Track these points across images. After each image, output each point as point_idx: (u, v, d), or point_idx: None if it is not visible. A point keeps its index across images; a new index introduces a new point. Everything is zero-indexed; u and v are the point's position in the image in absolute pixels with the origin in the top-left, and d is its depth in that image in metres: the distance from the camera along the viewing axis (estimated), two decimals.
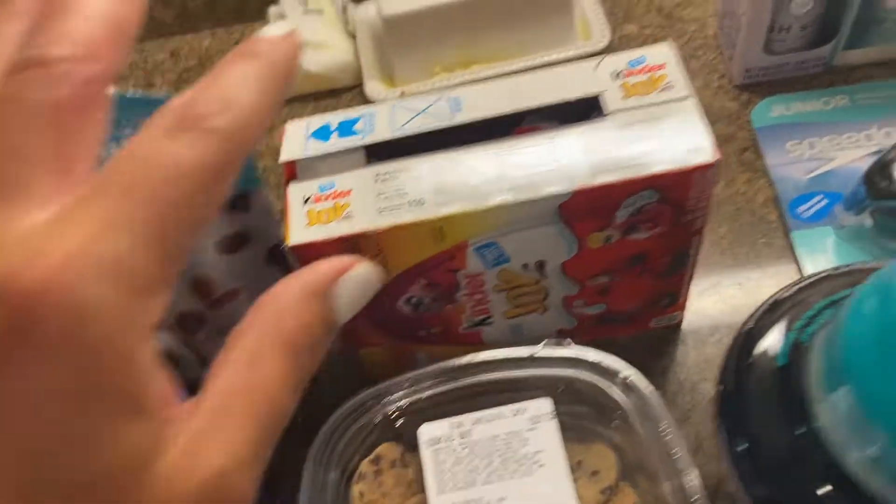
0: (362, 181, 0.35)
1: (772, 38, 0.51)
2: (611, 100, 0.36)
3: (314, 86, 0.61)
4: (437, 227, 0.34)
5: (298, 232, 0.34)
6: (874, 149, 0.49)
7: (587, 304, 0.42)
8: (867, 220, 0.45)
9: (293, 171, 0.36)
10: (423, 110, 0.36)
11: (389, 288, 0.38)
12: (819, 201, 0.48)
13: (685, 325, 0.46)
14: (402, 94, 0.58)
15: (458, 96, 0.37)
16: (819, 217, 0.48)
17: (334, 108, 0.61)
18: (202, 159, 0.17)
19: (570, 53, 0.57)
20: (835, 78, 0.54)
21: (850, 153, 0.49)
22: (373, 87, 0.59)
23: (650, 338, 0.46)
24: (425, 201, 0.34)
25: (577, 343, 0.45)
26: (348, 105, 0.61)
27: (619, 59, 0.37)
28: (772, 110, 0.53)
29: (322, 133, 0.37)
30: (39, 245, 0.15)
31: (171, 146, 0.17)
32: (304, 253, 0.35)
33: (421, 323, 0.41)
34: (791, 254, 0.47)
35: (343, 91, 0.62)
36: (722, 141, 0.53)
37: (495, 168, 0.35)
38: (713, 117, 0.54)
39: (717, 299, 0.47)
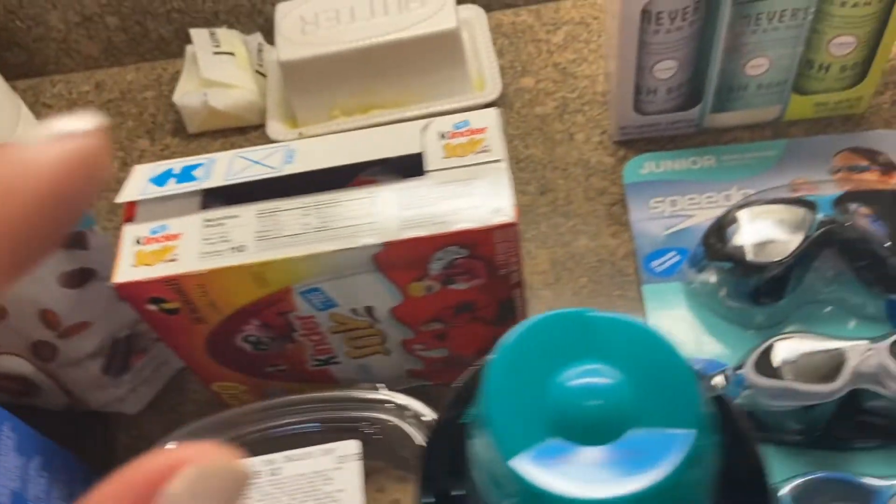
0: (192, 226, 0.37)
1: (641, 100, 0.54)
2: (432, 159, 0.38)
3: (221, 123, 0.63)
4: (257, 272, 0.37)
5: (124, 271, 0.36)
6: (748, 202, 0.51)
7: (428, 348, 0.44)
8: (712, 278, 0.47)
9: (132, 213, 0.38)
10: (259, 161, 0.39)
11: (225, 326, 0.40)
12: (672, 257, 0.50)
13: None
14: (300, 136, 0.60)
15: (294, 149, 0.39)
16: (670, 272, 0.50)
17: (241, 146, 0.64)
18: None
19: (463, 104, 0.60)
20: (706, 138, 0.56)
21: (708, 212, 0.51)
22: (274, 127, 0.61)
23: None
24: (247, 247, 0.36)
25: (428, 385, 0.47)
26: (254, 142, 0.63)
27: (447, 122, 0.39)
28: (643, 167, 0.55)
29: (162, 178, 0.39)
30: None
31: None
32: (129, 292, 0.37)
33: (265, 360, 0.43)
34: (642, 307, 0.49)
35: (250, 129, 0.64)
36: (595, 194, 0.55)
37: (316, 218, 0.37)
38: (590, 171, 0.56)
39: None
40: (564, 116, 0.60)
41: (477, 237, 0.36)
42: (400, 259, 0.37)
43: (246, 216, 0.37)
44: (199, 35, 0.64)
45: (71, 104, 0.69)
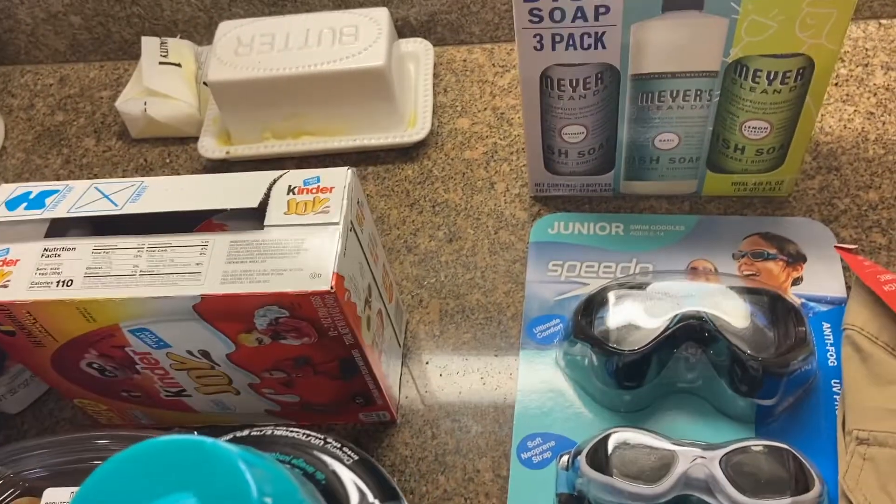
0: (31, 254, 0.38)
1: (552, 159, 0.53)
2: (273, 213, 0.38)
3: (160, 132, 0.64)
4: (81, 308, 0.37)
5: None
6: (623, 282, 0.50)
7: (278, 393, 0.44)
8: (581, 354, 0.46)
9: None
10: (108, 195, 0.39)
11: (65, 351, 0.41)
12: (555, 325, 0.49)
13: (406, 413, 0.48)
14: (228, 154, 0.61)
15: (146, 186, 0.40)
16: (550, 341, 0.49)
17: (178, 155, 0.65)
18: None
19: (390, 140, 0.60)
20: (623, 204, 0.55)
21: (601, 282, 0.50)
22: (206, 142, 0.62)
23: (373, 424, 0.48)
24: (74, 283, 0.37)
25: (295, 426, 0.47)
26: (191, 154, 0.64)
27: (299, 176, 0.39)
28: (553, 226, 0.54)
29: (15, 201, 0.40)
30: None
31: None
32: None
33: (117, 385, 0.44)
34: (515, 371, 0.48)
35: (190, 140, 0.65)
36: (500, 249, 0.54)
37: (146, 261, 0.37)
38: (502, 224, 0.56)
39: (435, 402, 0.48)
40: (491, 164, 0.59)
41: (294, 300, 0.36)
42: (220, 311, 0.37)
43: (82, 250, 0.38)
44: (148, 43, 0.65)
45: (31, 96, 0.71)
